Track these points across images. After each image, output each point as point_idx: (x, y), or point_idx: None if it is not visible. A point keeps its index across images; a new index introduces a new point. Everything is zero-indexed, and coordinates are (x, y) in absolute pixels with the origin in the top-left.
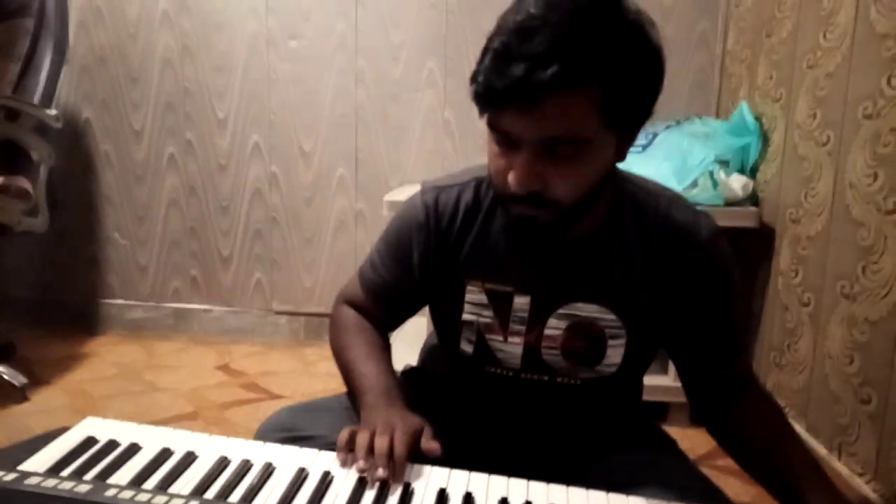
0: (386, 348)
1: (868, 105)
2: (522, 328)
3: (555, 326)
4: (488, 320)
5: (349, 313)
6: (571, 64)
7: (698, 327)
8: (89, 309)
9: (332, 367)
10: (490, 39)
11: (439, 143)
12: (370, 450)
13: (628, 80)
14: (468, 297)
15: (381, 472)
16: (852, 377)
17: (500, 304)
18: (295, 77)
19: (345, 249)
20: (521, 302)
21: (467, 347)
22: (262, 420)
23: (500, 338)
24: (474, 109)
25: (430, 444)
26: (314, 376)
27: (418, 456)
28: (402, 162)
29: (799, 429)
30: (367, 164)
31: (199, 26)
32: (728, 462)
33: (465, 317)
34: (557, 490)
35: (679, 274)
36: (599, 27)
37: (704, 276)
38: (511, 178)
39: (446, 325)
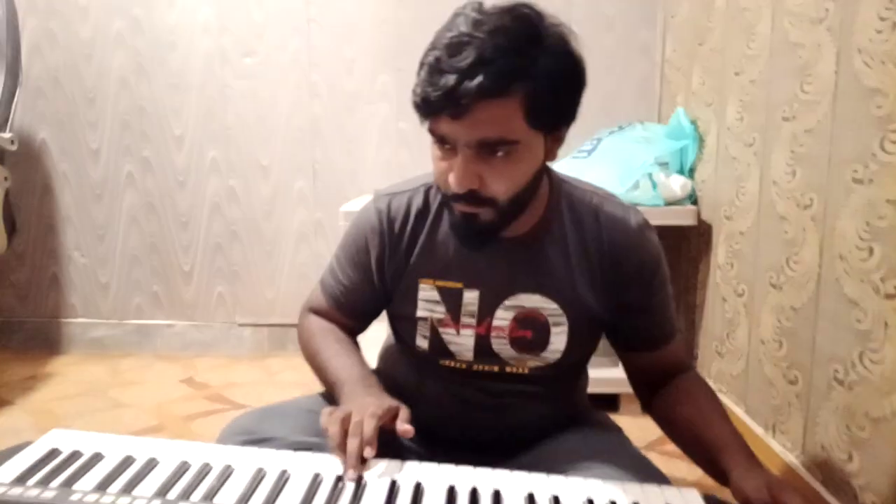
0: (356, 345)
1: (786, 109)
2: (473, 321)
3: (502, 317)
4: (441, 315)
5: (315, 320)
6: (495, 75)
7: (633, 312)
8: (51, 329)
9: (296, 376)
10: (425, 54)
11: (395, 154)
12: (344, 434)
13: (549, 87)
14: (421, 294)
15: (353, 441)
16: (781, 361)
17: (450, 300)
18: (250, 93)
19: (306, 260)
20: (471, 296)
21: (423, 343)
22: None
23: (453, 331)
24: None
25: (404, 426)
26: (278, 386)
27: (393, 440)
28: (359, 173)
29: (739, 412)
30: (324, 176)
31: (152, 45)
32: (675, 448)
33: (419, 313)
34: (501, 475)
35: (612, 263)
36: (520, 41)
37: (635, 263)
38: (451, 177)
39: (402, 323)
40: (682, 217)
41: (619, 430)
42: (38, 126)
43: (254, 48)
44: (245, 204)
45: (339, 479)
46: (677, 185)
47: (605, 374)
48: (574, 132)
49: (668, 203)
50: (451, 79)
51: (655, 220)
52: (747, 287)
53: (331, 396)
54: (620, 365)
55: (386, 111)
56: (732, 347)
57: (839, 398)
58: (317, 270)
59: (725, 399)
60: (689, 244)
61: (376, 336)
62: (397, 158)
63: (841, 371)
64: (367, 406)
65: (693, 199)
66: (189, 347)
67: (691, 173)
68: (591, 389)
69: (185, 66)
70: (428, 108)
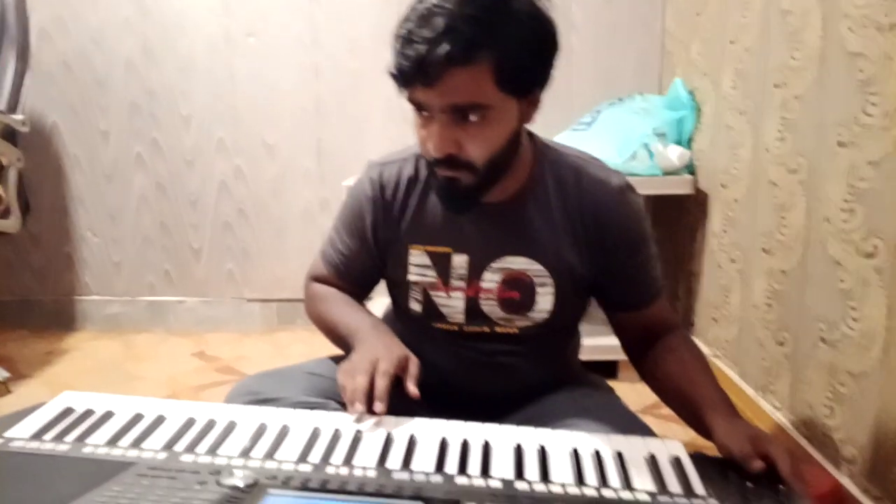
0: (361, 304)
1: (777, 76)
2: (463, 283)
3: (490, 279)
4: (432, 279)
5: (319, 286)
6: (461, 42)
7: (615, 271)
8: (67, 307)
9: (304, 349)
10: (399, 26)
11: (399, 131)
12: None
13: (518, 52)
14: (412, 259)
15: (357, 406)
16: (771, 323)
17: (440, 264)
18: (256, 74)
19: (312, 237)
20: (459, 260)
21: (416, 306)
22: None
23: (444, 294)
24: None
25: (412, 389)
26: (287, 358)
27: (400, 393)
28: (363, 150)
29: (733, 375)
30: (329, 155)
31: (160, 29)
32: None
33: (411, 277)
34: (491, 428)
35: (594, 224)
36: (487, 8)
37: (616, 223)
38: (429, 143)
39: (396, 288)
40: (680, 186)
41: (609, 389)
42: (49, 110)
43: (258, 29)
44: (252, 183)
45: (337, 431)
46: (675, 155)
47: (604, 342)
48: (575, 105)
49: (666, 173)
50: (420, 49)
51: (653, 190)
52: (741, 253)
53: (339, 360)
54: None
55: (389, 89)
56: (727, 313)
57: (824, 356)
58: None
59: (720, 364)
60: (687, 213)
61: (375, 309)
62: (401, 136)
63: (826, 330)
64: (378, 353)
65: (691, 168)
66: (200, 323)
67: (690, 143)
68: (589, 356)
69: (191, 49)
70: (402, 78)
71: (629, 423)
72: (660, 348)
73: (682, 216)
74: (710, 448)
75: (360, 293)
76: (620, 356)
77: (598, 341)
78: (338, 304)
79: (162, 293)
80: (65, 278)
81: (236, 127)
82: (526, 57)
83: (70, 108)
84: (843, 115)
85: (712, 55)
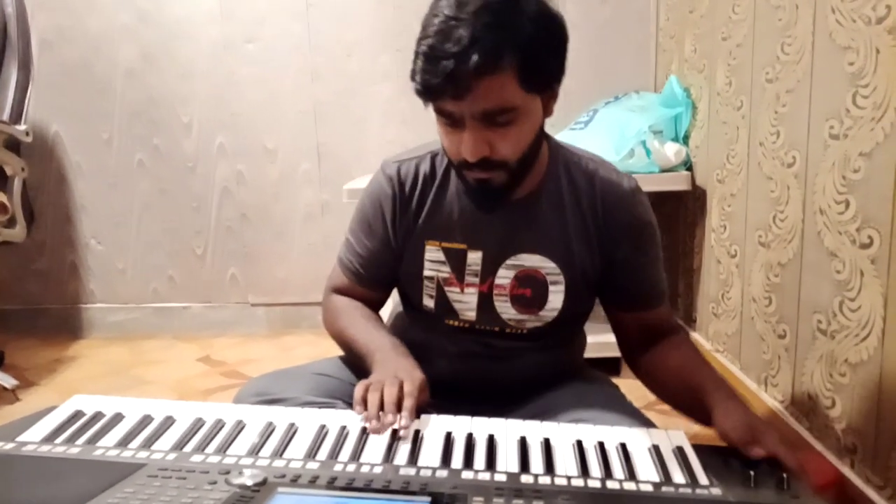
0: (380, 320)
1: (769, 70)
2: (476, 280)
3: (504, 276)
4: (446, 275)
5: (338, 298)
6: (487, 53)
7: (622, 270)
8: (73, 314)
9: (310, 352)
10: (418, 44)
11: (398, 133)
12: (381, 405)
13: (537, 52)
14: (427, 255)
15: (390, 417)
16: (771, 316)
17: (455, 260)
18: (254, 78)
19: (314, 240)
20: (474, 257)
21: (429, 302)
22: None
23: (458, 290)
24: None
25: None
26: (293, 361)
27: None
28: (363, 153)
29: (734, 368)
30: (329, 157)
31: (159, 36)
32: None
33: (427, 273)
34: (496, 422)
35: (605, 222)
36: (503, 14)
37: (626, 221)
38: (463, 149)
39: (410, 283)
40: (677, 183)
41: (613, 384)
42: (50, 119)
43: (256, 35)
44: (253, 187)
45: (344, 429)
46: (671, 151)
47: (608, 339)
48: (572, 104)
49: (663, 170)
50: (448, 64)
51: (651, 187)
52: (739, 247)
53: (348, 361)
54: None
55: (388, 91)
56: (727, 308)
57: (823, 347)
58: (325, 250)
59: (722, 358)
60: (685, 210)
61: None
62: (400, 138)
63: (824, 321)
64: (398, 375)
65: (688, 165)
66: (206, 328)
67: (686, 140)
68: (593, 354)
69: (190, 55)
70: (431, 93)
71: (632, 417)
72: (660, 346)
73: (680, 212)
74: (711, 440)
75: (379, 297)
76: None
77: (602, 338)
78: (356, 319)
79: (167, 299)
80: (70, 286)
81: (237, 132)
82: (545, 54)
83: (72, 117)
84: (835, 108)
85: (705, 52)
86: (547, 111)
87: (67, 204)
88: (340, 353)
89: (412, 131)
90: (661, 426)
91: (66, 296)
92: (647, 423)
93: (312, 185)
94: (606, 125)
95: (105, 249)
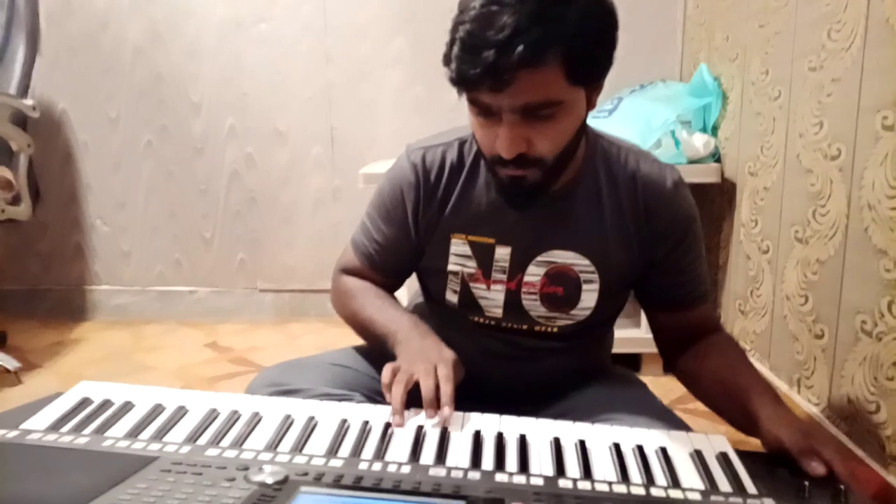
0: (396, 300)
1: (812, 59)
2: (504, 276)
3: (533, 273)
4: (472, 270)
5: (350, 279)
6: (533, 45)
7: (665, 269)
8: (76, 296)
9: (317, 340)
10: (455, 28)
11: (411, 119)
12: (404, 398)
13: (585, 43)
14: (453, 248)
15: (446, 411)
16: (806, 315)
17: (482, 255)
18: (266, 59)
19: (324, 226)
20: (503, 252)
21: (452, 297)
22: None
23: (484, 286)
24: (444, 85)
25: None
26: (300, 349)
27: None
28: (376, 138)
29: (762, 368)
30: (342, 142)
31: (168, 13)
32: (697, 405)
33: (451, 267)
34: (527, 422)
35: (647, 218)
36: (550, 2)
37: (669, 218)
38: (498, 144)
39: (433, 277)
40: (706, 175)
41: (642, 384)
42: (57, 97)
43: (268, 14)
44: (263, 171)
45: (366, 424)
46: (700, 142)
47: (627, 334)
48: None
49: (691, 161)
50: (489, 54)
51: None
52: (771, 243)
53: (363, 351)
54: (642, 325)
55: (401, 76)
56: (756, 305)
57: (866, 349)
58: (335, 237)
59: (748, 357)
60: (712, 203)
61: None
62: (414, 123)
63: (869, 322)
64: (431, 357)
65: (716, 156)
66: (211, 313)
67: (714, 131)
68: (613, 349)
69: (200, 34)
70: (467, 83)
71: (665, 418)
72: (702, 345)
73: (706, 206)
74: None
75: (393, 284)
76: (644, 349)
77: (622, 334)
78: (371, 299)
79: (172, 283)
80: (73, 267)
81: (246, 114)
82: (593, 46)
83: (79, 95)
84: (888, 98)
85: (739, 40)
86: (590, 104)
87: (72, 184)
88: (351, 343)
89: (425, 118)
90: None
91: (70, 277)
92: (682, 426)
93: (324, 169)
94: (632, 114)
95: (110, 231)
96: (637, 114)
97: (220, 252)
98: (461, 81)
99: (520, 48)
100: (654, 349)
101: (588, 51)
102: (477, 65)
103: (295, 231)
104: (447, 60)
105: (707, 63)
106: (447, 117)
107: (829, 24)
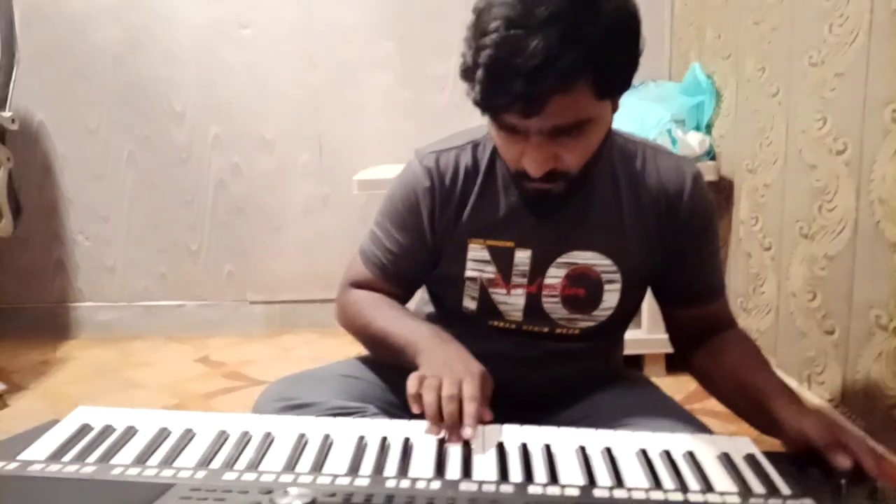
0: (409, 310)
1: (813, 54)
2: (524, 280)
3: (554, 275)
4: (491, 275)
5: (359, 292)
6: (564, 70)
7: (683, 263)
8: (58, 314)
9: (311, 351)
10: (477, 51)
11: (400, 123)
12: (440, 410)
13: (615, 62)
14: (471, 254)
15: (468, 431)
16: (815, 311)
17: (501, 259)
18: (250, 65)
19: (314, 235)
20: (522, 256)
21: (470, 304)
22: (248, 405)
23: (504, 291)
24: (432, 88)
25: (486, 411)
26: (294, 362)
27: None
28: (365, 144)
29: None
30: (330, 148)
31: (146, 18)
32: (703, 405)
33: (469, 273)
34: (549, 431)
35: (667, 213)
36: (579, 24)
37: (688, 212)
38: (527, 163)
39: (448, 285)
40: (703, 173)
41: (656, 386)
42: (34, 107)
43: (250, 19)
44: (250, 179)
45: (385, 440)
46: (695, 141)
47: (629, 336)
48: None
49: None
50: (518, 83)
51: None
52: (774, 240)
53: (370, 362)
54: (643, 326)
55: (389, 80)
56: (759, 302)
57: (882, 344)
58: (326, 245)
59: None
60: None
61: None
62: (403, 128)
63: (884, 316)
64: (456, 371)
65: (711, 154)
66: (200, 327)
67: (708, 129)
68: None
69: (180, 40)
70: (495, 110)
71: (686, 420)
72: (718, 341)
73: None
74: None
75: (404, 294)
76: (646, 350)
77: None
78: (386, 311)
79: (158, 297)
80: (55, 284)
81: (232, 122)
82: (621, 61)
83: (55, 105)
84: None
85: (732, 38)
86: (615, 108)
87: (52, 197)
88: (346, 354)
89: (415, 123)
90: None
91: (51, 294)
92: (702, 428)
93: (313, 177)
94: (625, 114)
95: (93, 245)
96: (631, 113)
97: (207, 264)
98: (488, 107)
99: (551, 77)
100: (656, 350)
101: (616, 65)
102: (506, 93)
103: (284, 240)
104: (468, 78)
105: (698, 62)
106: (437, 120)
107: (831, 18)
